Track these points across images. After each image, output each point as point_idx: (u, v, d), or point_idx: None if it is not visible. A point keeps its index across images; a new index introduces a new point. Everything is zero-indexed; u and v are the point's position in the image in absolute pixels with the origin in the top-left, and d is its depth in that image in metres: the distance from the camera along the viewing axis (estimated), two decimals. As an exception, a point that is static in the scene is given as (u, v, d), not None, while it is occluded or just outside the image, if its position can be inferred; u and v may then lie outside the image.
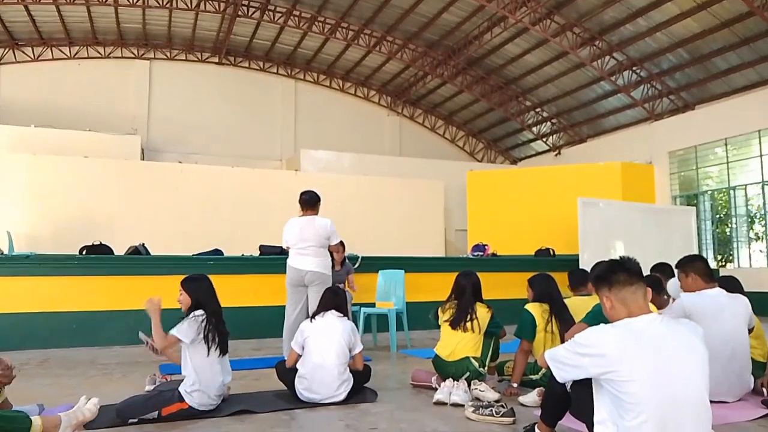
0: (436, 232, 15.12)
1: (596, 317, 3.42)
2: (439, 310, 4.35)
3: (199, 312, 3.54)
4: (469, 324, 4.14)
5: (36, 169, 11.74)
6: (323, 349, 3.83)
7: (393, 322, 6.44)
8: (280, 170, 16.85)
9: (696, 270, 3.93)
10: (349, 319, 4.17)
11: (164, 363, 5.35)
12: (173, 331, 3.49)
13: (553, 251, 10.03)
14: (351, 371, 3.92)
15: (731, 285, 4.24)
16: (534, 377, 4.11)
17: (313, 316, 4.10)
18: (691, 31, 12.86)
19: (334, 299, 4.16)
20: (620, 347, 2.20)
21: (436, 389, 3.95)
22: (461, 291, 4.31)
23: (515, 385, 4.05)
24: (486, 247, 9.97)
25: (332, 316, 4.03)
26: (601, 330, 2.31)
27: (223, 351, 3.58)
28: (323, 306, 4.12)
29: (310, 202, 5.50)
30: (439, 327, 4.34)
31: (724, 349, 3.58)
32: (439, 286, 8.21)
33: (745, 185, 13.25)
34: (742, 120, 12.77)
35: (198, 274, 3.77)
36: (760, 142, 12.65)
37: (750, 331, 3.87)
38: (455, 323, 4.17)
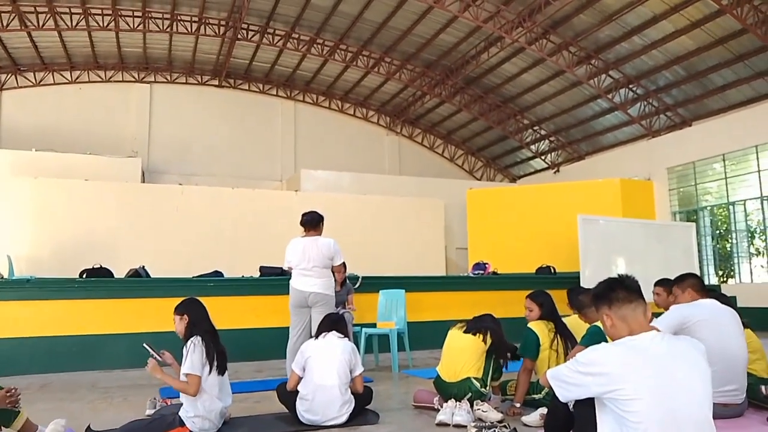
0: (437, 251, 15.10)
1: (593, 339, 3.41)
2: (452, 327, 4.34)
3: (194, 338, 3.52)
4: (480, 333, 4.13)
5: (37, 193, 11.79)
6: (324, 369, 3.81)
7: (394, 342, 6.41)
8: (281, 191, 16.91)
9: (691, 285, 4.02)
10: (350, 340, 4.16)
11: (164, 386, 5.31)
12: (187, 371, 3.39)
13: (554, 269, 10.00)
14: (352, 393, 3.89)
15: (723, 300, 4.27)
16: (537, 397, 4.07)
17: (315, 338, 4.09)
18: (687, 49, 13.00)
19: (333, 322, 4.15)
20: (623, 365, 2.19)
21: (438, 410, 3.92)
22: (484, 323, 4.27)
23: (518, 404, 4.02)
24: (487, 265, 9.95)
25: (333, 336, 4.02)
26: (603, 348, 2.30)
27: (222, 370, 3.56)
28: (324, 328, 4.11)
29: (312, 222, 5.47)
30: None
31: (721, 356, 3.57)
32: (440, 305, 8.24)
33: (744, 200, 13.27)
34: (740, 135, 12.84)
35: (188, 298, 3.77)
36: (757, 158, 12.71)
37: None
38: (468, 330, 4.16)
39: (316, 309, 5.25)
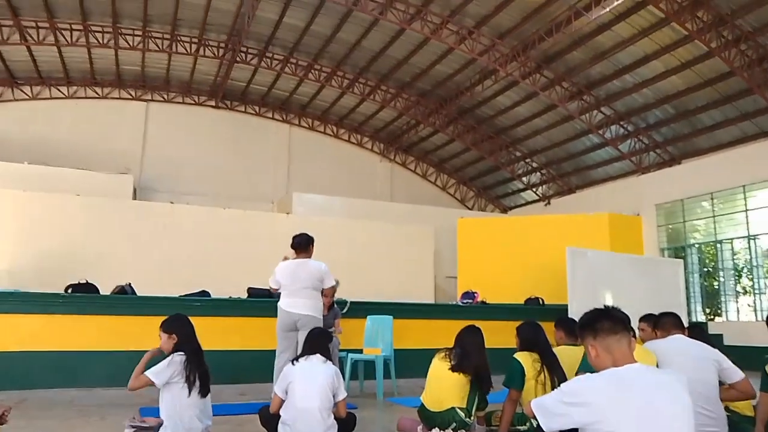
0: (426, 278, 15.07)
1: (587, 363, 3.39)
2: (436, 356, 4.29)
3: (179, 354, 3.49)
4: (467, 373, 4.09)
5: (26, 206, 11.69)
6: (306, 393, 3.76)
7: (380, 369, 6.36)
8: (272, 213, 16.88)
9: (667, 324, 4.06)
10: (334, 364, 4.12)
11: (144, 406, 5.22)
12: (148, 372, 3.47)
13: (543, 300, 10.01)
14: (335, 418, 3.84)
15: (697, 334, 4.32)
16: (521, 428, 4.04)
17: (296, 359, 4.03)
18: (677, 88, 13.27)
19: (318, 341, 4.10)
20: (606, 396, 2.19)
21: (422, 438, 3.88)
22: (466, 351, 4.23)
23: (502, 435, 3.98)
24: (475, 294, 9.95)
25: (316, 360, 3.96)
26: (587, 379, 2.30)
27: (204, 392, 3.51)
28: (308, 349, 4.06)
29: (302, 244, 5.50)
30: None
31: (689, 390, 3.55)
32: (427, 333, 8.19)
33: (732, 239, 13.40)
34: (728, 175, 13.03)
35: (175, 315, 3.73)
36: (745, 197, 12.88)
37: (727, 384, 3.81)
38: (454, 369, 4.12)
39: (304, 332, 5.19)
